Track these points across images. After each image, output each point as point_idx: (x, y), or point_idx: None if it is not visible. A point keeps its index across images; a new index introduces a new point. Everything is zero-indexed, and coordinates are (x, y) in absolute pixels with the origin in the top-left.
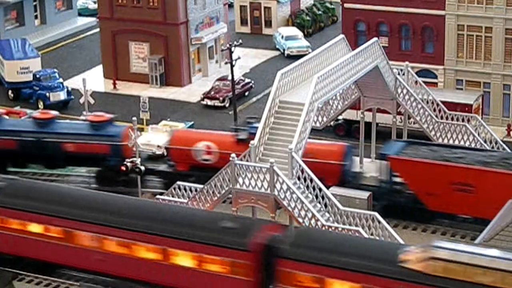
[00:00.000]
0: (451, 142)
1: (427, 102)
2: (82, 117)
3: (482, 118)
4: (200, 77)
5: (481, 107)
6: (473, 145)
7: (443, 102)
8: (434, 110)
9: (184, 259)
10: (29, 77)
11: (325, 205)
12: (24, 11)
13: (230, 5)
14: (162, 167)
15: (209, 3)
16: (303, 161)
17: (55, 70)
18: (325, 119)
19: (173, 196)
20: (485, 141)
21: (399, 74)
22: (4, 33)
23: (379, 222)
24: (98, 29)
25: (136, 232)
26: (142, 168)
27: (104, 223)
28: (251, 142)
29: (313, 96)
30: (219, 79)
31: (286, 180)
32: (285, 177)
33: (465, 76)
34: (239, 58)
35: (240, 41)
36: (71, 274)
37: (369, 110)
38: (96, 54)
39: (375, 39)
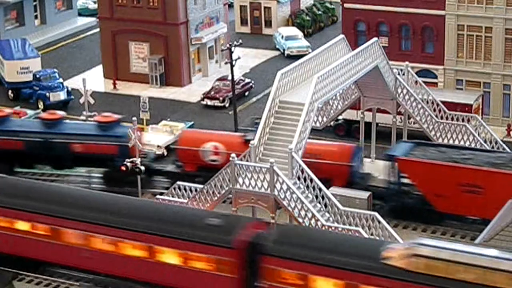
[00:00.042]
0: (451, 142)
1: (427, 102)
2: (82, 117)
3: (482, 118)
4: (200, 77)
5: (481, 107)
6: (473, 145)
7: (443, 102)
8: (434, 110)
9: (169, 256)
10: (29, 77)
11: (325, 205)
12: (24, 11)
13: (230, 5)
14: (170, 167)
15: (209, 3)
16: (311, 162)
17: (55, 70)
18: (325, 119)
19: (173, 196)
20: (485, 141)
21: (399, 74)
22: (4, 33)
23: (379, 222)
24: (98, 29)
25: (122, 229)
26: (142, 168)
27: (90, 221)
28: (251, 142)
29: (313, 96)
30: (219, 79)
31: (286, 180)
32: (285, 177)
33: (465, 76)
34: (239, 58)
35: (240, 41)
36: (71, 274)
37: (369, 110)
38: (96, 54)
39: (375, 39)
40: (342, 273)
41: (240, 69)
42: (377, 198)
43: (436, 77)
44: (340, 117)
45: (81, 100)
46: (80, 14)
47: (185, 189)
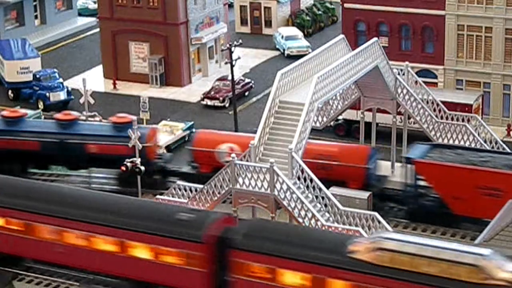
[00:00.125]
0: (451, 142)
1: (427, 102)
2: (82, 117)
3: (482, 118)
4: (200, 77)
5: (481, 107)
6: (473, 145)
7: (443, 102)
8: (434, 110)
9: (141, 251)
10: (29, 77)
11: (325, 205)
12: (24, 11)
13: (230, 5)
14: (186, 168)
15: (209, 3)
16: (326, 164)
17: (55, 70)
18: (325, 119)
19: (173, 196)
20: (485, 141)
21: (399, 74)
22: (4, 33)
23: (379, 222)
24: (98, 29)
25: (95, 224)
26: (142, 168)
27: (63, 216)
28: (251, 142)
29: (313, 96)
30: (219, 79)
31: (286, 180)
32: (285, 177)
33: (465, 76)
34: (239, 58)
35: (240, 41)
36: (71, 274)
37: (369, 110)
38: (96, 54)
39: (375, 39)
40: (309, 267)
41: (240, 69)
42: (393, 201)
43: (436, 77)
44: (340, 117)
45: (81, 100)
46: (80, 14)
47: (185, 189)
